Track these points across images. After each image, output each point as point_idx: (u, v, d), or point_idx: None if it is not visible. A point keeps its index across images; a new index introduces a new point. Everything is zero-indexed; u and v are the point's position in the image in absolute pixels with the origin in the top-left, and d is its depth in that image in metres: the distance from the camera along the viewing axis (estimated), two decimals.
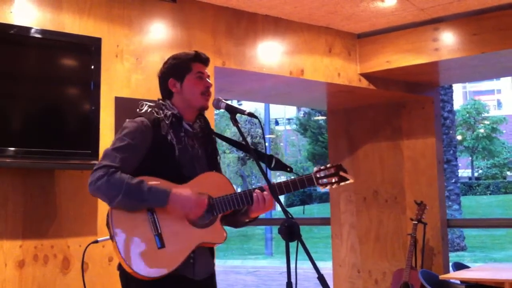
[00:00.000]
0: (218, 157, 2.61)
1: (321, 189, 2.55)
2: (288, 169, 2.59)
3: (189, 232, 2.35)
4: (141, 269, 2.25)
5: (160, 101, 2.51)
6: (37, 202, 3.26)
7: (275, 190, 2.40)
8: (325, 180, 2.52)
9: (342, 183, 2.53)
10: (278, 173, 23.95)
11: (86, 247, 2.54)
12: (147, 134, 2.37)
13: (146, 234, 2.28)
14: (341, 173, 2.52)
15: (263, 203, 2.44)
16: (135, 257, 2.26)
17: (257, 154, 2.58)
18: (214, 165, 2.55)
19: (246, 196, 2.44)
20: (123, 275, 2.36)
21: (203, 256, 2.43)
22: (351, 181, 2.53)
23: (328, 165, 2.55)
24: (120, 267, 2.37)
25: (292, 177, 2.50)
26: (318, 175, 2.52)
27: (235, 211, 2.48)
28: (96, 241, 2.45)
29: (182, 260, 2.30)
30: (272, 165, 2.60)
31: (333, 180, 2.52)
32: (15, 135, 3.11)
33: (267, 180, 2.33)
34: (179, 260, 2.30)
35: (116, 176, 2.26)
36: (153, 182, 2.32)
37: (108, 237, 2.33)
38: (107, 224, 2.32)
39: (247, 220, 2.57)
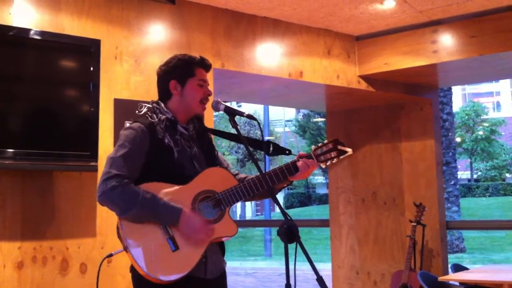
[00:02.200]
0: (216, 152, 2.62)
1: (323, 166, 2.55)
2: (287, 152, 2.59)
3: None
4: (161, 274, 2.25)
5: (154, 104, 2.51)
6: (36, 203, 3.26)
7: (272, 188, 2.40)
8: (324, 157, 2.53)
9: (342, 156, 2.54)
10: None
11: (102, 261, 2.50)
12: (145, 139, 2.38)
13: (158, 239, 2.29)
14: (339, 147, 2.53)
15: (306, 167, 2.49)
16: (153, 264, 2.25)
17: (254, 142, 2.59)
18: (213, 162, 2.56)
19: (251, 186, 2.43)
20: (135, 277, 2.36)
21: (214, 253, 2.44)
22: (350, 153, 2.54)
23: (325, 141, 2.56)
24: (132, 270, 2.36)
25: (292, 160, 2.51)
26: (316, 153, 2.53)
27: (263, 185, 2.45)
28: (111, 255, 2.42)
29: (198, 258, 2.31)
30: (270, 151, 2.59)
31: (332, 155, 2.53)
32: (14, 137, 3.11)
33: (265, 179, 2.35)
34: (196, 259, 2.31)
35: (131, 188, 2.27)
36: (165, 190, 2.33)
37: (121, 249, 2.32)
38: (119, 236, 2.31)
39: (284, 185, 2.57)
